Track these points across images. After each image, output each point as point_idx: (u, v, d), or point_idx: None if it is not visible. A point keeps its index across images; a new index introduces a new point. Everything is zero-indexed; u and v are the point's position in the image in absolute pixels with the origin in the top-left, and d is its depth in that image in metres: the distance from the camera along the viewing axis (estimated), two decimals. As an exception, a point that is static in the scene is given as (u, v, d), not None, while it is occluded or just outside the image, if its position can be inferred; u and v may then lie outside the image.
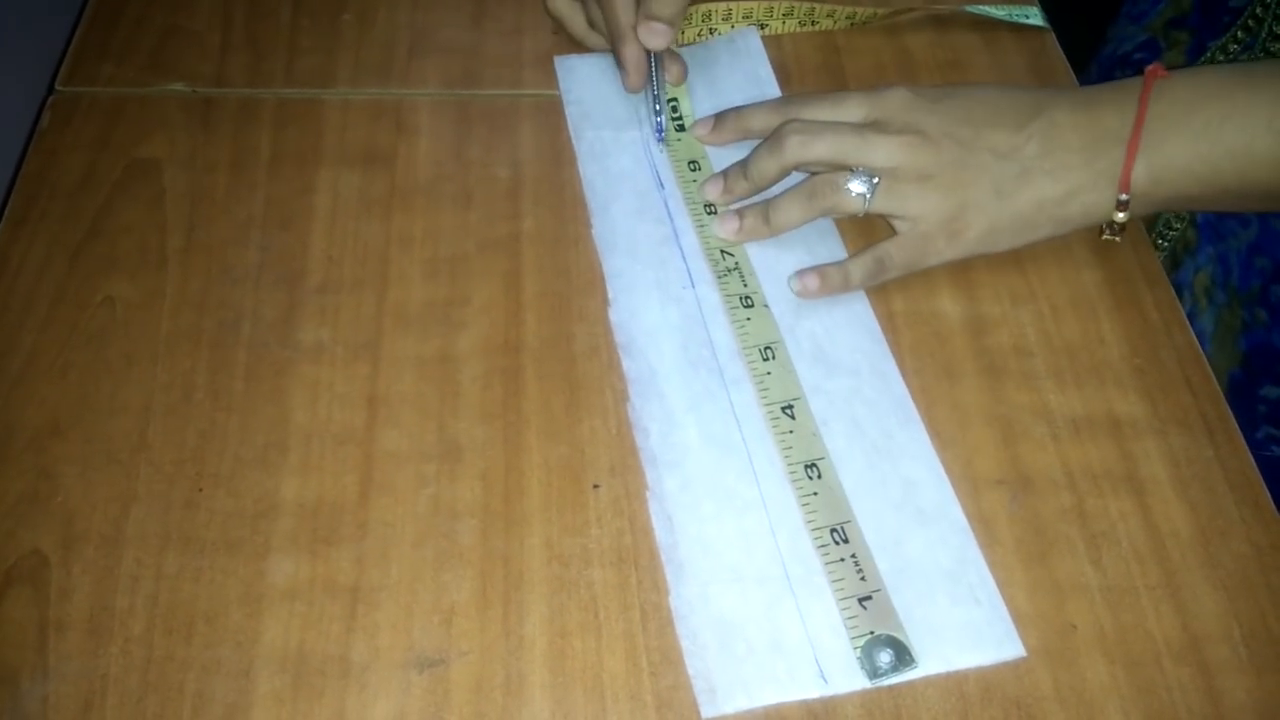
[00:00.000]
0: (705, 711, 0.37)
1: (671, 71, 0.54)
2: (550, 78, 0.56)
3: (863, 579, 0.39)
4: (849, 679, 0.38)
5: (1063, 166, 0.45)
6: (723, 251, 0.49)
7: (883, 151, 0.46)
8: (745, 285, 0.48)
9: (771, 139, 0.48)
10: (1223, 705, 0.38)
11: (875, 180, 0.45)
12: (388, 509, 0.41)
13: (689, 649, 0.38)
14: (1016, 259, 0.49)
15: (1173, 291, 0.49)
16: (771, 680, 0.38)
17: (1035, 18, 0.59)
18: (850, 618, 0.39)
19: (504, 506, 0.41)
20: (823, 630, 0.39)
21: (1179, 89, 0.45)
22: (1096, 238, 0.49)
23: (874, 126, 0.46)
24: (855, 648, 0.38)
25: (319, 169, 0.52)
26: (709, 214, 0.50)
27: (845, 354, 0.46)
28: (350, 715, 0.37)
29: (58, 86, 0.55)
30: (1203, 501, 0.43)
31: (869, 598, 0.39)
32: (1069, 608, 0.40)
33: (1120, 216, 0.46)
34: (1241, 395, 0.46)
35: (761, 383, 0.44)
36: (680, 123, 0.54)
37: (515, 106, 0.55)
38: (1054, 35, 0.59)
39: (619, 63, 0.53)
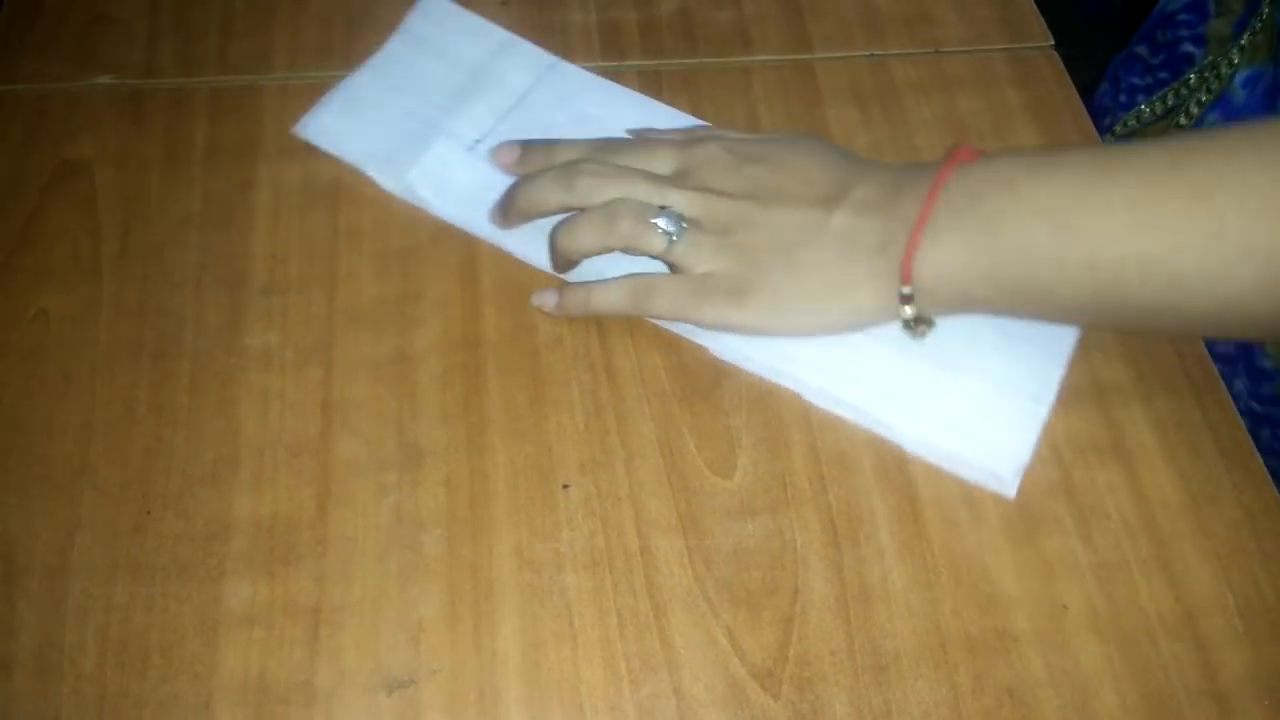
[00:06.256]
0: (1010, 493, 0.40)
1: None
2: (499, 52, 0.54)
3: None
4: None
5: (856, 248, 0.41)
6: None
7: (677, 203, 0.42)
8: None
9: (563, 171, 0.44)
10: (1220, 680, 0.37)
11: (684, 225, 0.42)
12: (348, 522, 0.39)
13: (942, 459, 0.41)
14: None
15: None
16: (1007, 429, 0.42)
17: None
18: None
19: (470, 513, 0.40)
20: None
21: (974, 176, 0.40)
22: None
23: (676, 178, 0.43)
24: None
25: (258, 161, 0.49)
26: None
27: None
28: (318, 743, 0.35)
29: (-23, 85, 0.52)
30: (1192, 468, 0.41)
31: None
32: (1059, 587, 0.39)
33: (907, 311, 0.41)
34: None
35: None
36: None
37: (464, 84, 0.52)
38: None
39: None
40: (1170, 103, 0.60)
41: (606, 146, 0.46)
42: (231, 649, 0.36)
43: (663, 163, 0.44)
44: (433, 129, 0.49)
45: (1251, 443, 0.42)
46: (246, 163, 0.49)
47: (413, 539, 0.39)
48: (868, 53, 0.54)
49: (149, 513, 0.39)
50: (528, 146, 0.47)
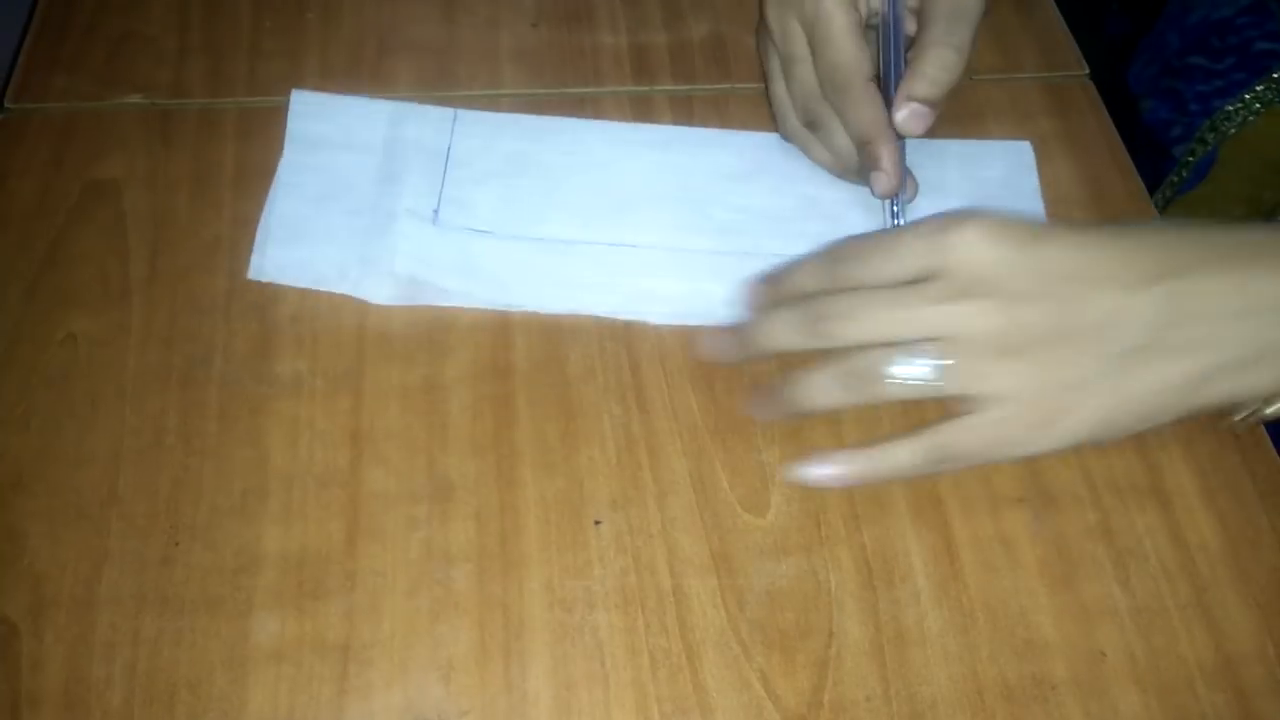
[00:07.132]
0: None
1: (908, 186, 0.44)
2: (532, 74, 0.53)
3: None
4: None
5: (1202, 341, 0.35)
6: None
7: (947, 322, 0.36)
8: None
9: (805, 315, 0.38)
10: (1260, 731, 0.36)
11: (941, 362, 0.36)
12: (377, 556, 0.39)
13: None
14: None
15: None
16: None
17: None
18: None
19: (500, 548, 0.39)
20: None
21: None
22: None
23: (935, 286, 0.36)
24: None
25: (288, 184, 0.49)
26: None
27: None
28: (347, 784, 0.35)
29: (6, 104, 0.51)
30: (1231, 511, 0.41)
31: None
32: (1097, 633, 0.38)
33: (1273, 409, 0.37)
34: None
35: None
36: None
37: (494, 107, 0.52)
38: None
39: (870, 164, 0.43)
40: None
41: (839, 257, 0.39)
42: (259, 686, 0.36)
43: (906, 263, 0.36)
44: (385, 216, 0.46)
45: (1292, 486, 0.41)
46: (276, 186, 0.48)
47: (443, 574, 0.39)
48: (901, 79, 0.54)
49: (177, 544, 0.39)
50: (757, 284, 0.42)
